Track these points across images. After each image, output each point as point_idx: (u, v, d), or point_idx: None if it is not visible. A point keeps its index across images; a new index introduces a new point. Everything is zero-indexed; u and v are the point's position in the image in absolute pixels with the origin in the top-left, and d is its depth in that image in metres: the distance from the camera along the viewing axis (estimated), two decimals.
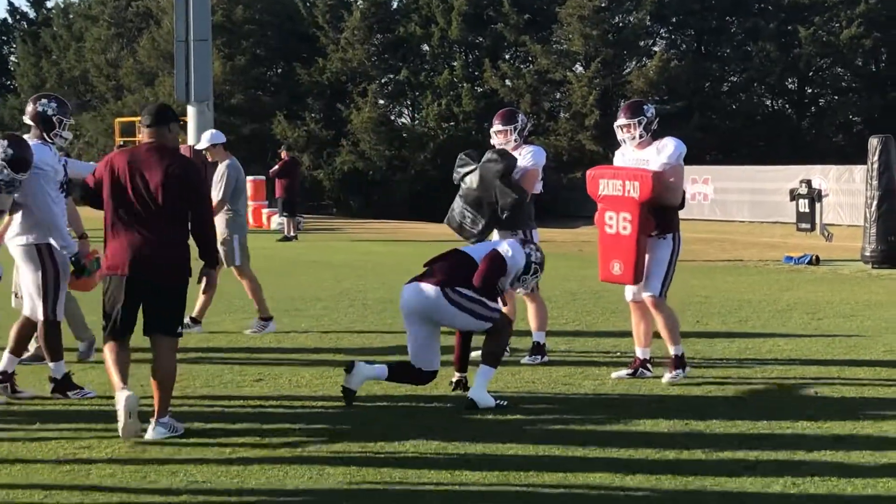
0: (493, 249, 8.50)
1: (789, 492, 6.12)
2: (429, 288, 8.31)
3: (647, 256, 9.08)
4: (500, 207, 9.71)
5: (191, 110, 36.57)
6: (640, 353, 9.41)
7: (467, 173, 9.95)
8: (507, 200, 9.69)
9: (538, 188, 10.10)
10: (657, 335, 9.30)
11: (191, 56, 35.66)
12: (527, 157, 9.98)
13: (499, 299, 8.49)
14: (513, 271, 8.53)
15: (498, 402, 8.23)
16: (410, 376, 8.45)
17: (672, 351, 9.09)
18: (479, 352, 8.52)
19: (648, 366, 9.38)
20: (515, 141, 10.08)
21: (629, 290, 9.35)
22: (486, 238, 9.86)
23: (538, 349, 10.00)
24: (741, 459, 6.75)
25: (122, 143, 35.30)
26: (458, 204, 10.02)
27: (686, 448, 7.04)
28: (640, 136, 9.13)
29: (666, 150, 9.01)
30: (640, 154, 9.13)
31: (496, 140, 10.16)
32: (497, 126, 10.13)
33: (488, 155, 9.95)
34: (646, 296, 9.09)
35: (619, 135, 9.26)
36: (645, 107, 9.22)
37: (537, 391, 8.82)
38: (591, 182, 9.30)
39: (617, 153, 9.47)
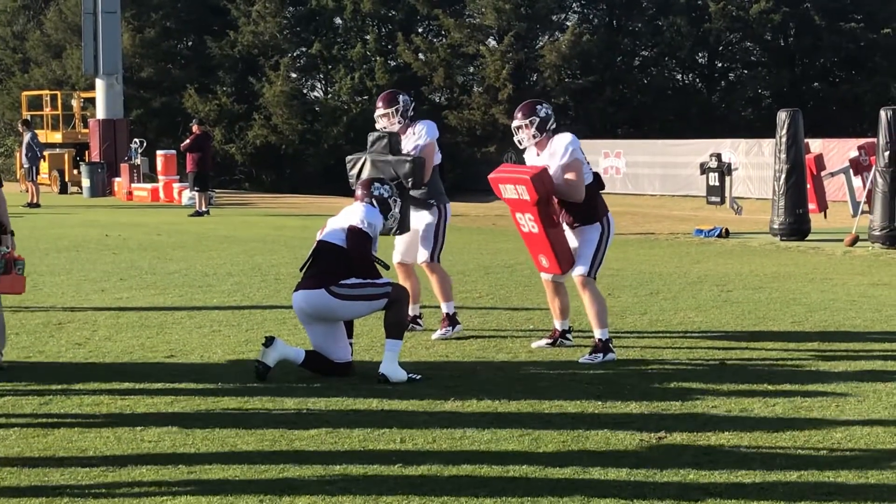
0: (349, 227, 8.43)
1: (698, 461, 6.19)
2: (316, 293, 8.30)
3: (575, 240, 9.09)
4: (404, 177, 9.63)
5: (99, 83, 36.11)
6: (557, 324, 9.46)
7: (361, 168, 9.88)
8: (405, 168, 9.62)
9: (437, 158, 10.08)
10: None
11: (99, 28, 35.19)
12: (420, 133, 9.95)
13: (379, 268, 8.47)
14: (377, 230, 8.56)
15: (410, 375, 8.23)
16: (325, 367, 8.42)
17: (597, 334, 8.99)
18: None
19: (568, 336, 9.45)
20: (400, 122, 10.01)
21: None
22: (407, 229, 9.81)
23: (450, 320, 9.99)
24: (652, 431, 6.81)
25: (28, 117, 34.73)
26: None
27: (597, 420, 7.09)
28: (535, 136, 9.10)
29: (557, 151, 8.98)
30: (541, 159, 9.12)
31: (380, 124, 10.10)
32: (380, 110, 10.05)
33: (369, 140, 9.93)
34: (575, 275, 9.08)
35: (516, 136, 9.24)
36: (538, 107, 9.16)
37: (450, 365, 8.83)
38: (493, 186, 9.34)
39: (525, 157, 9.46)
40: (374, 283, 8.35)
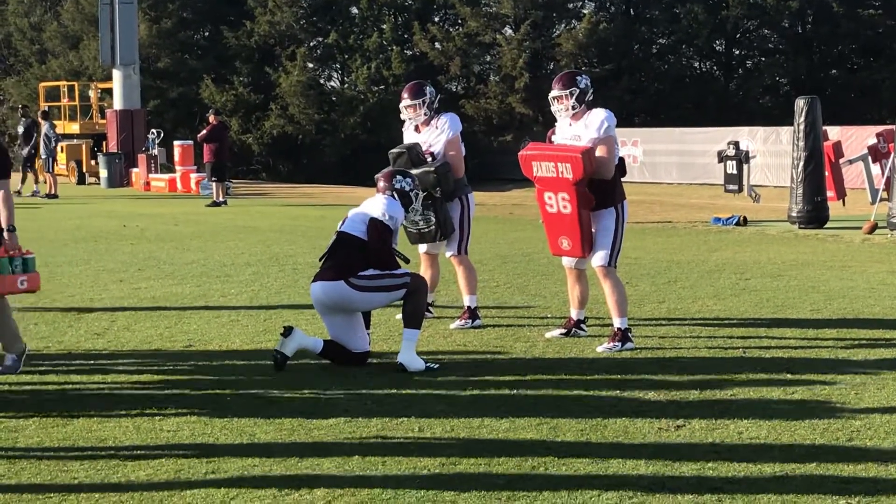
0: (370, 220, 8.44)
1: (717, 450, 6.18)
2: (335, 285, 8.32)
3: (592, 227, 9.05)
4: (431, 188, 9.57)
5: (116, 74, 36.15)
6: (574, 313, 9.44)
7: None
8: (430, 179, 9.59)
9: (462, 151, 10.06)
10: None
11: (116, 19, 35.22)
12: (443, 127, 9.92)
13: (399, 260, 8.48)
14: (398, 223, 8.55)
15: (428, 364, 8.23)
16: (342, 356, 8.43)
17: (616, 323, 8.98)
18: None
19: (583, 326, 9.44)
20: (426, 114, 9.97)
21: (567, 257, 9.34)
22: (451, 230, 9.83)
23: (470, 313, 9.98)
24: (671, 419, 6.80)
25: (46, 108, 34.82)
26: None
27: (615, 409, 7.08)
28: (573, 108, 9.00)
29: (593, 124, 8.90)
30: (574, 129, 9.04)
31: (405, 115, 10.07)
32: (406, 101, 10.01)
33: (391, 157, 9.92)
34: (595, 266, 9.06)
35: (553, 106, 9.15)
36: (578, 78, 9.08)
37: (468, 355, 8.83)
38: (524, 164, 9.22)
39: (556, 127, 9.38)
40: (393, 274, 8.35)
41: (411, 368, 8.16)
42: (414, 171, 9.57)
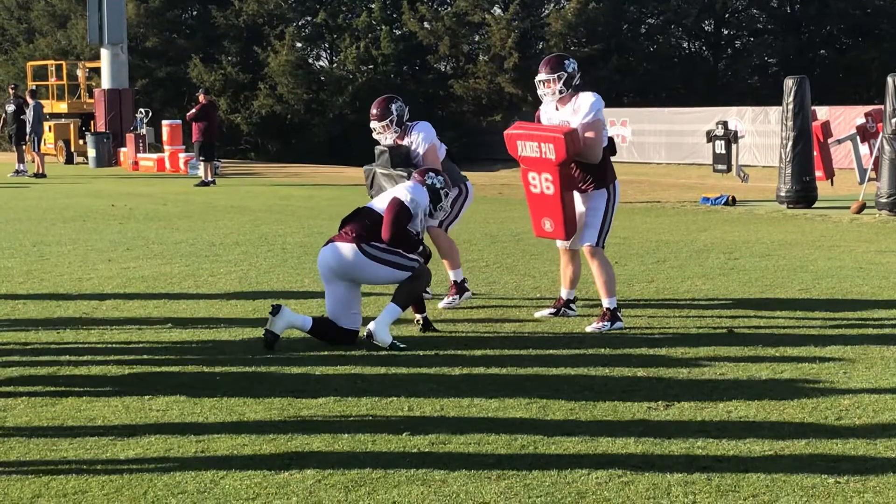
0: (393, 198, 8.48)
1: (706, 429, 6.19)
2: (345, 246, 8.35)
3: (582, 207, 9.03)
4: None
5: (104, 53, 36.02)
6: (564, 293, 9.44)
7: (373, 180, 9.88)
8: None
9: (442, 153, 9.99)
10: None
11: None
12: (417, 141, 9.79)
13: (419, 245, 8.50)
14: (420, 210, 8.54)
15: (395, 342, 8.23)
16: (333, 333, 8.43)
17: (605, 303, 8.96)
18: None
19: (572, 306, 9.44)
20: (396, 132, 9.79)
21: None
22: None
23: (458, 287, 9.95)
24: (660, 399, 6.81)
25: (34, 87, 34.70)
26: None
27: (605, 388, 7.09)
28: (561, 92, 8.94)
29: (581, 109, 8.84)
30: (561, 114, 8.97)
31: (376, 132, 9.89)
32: (373, 122, 9.82)
33: (375, 153, 9.90)
34: (583, 246, 9.05)
35: (540, 90, 9.08)
36: (566, 61, 8.99)
37: (457, 333, 8.83)
38: (509, 143, 9.19)
39: (541, 109, 9.33)
40: (404, 254, 8.38)
41: (377, 339, 8.19)
42: (393, 172, 9.58)
